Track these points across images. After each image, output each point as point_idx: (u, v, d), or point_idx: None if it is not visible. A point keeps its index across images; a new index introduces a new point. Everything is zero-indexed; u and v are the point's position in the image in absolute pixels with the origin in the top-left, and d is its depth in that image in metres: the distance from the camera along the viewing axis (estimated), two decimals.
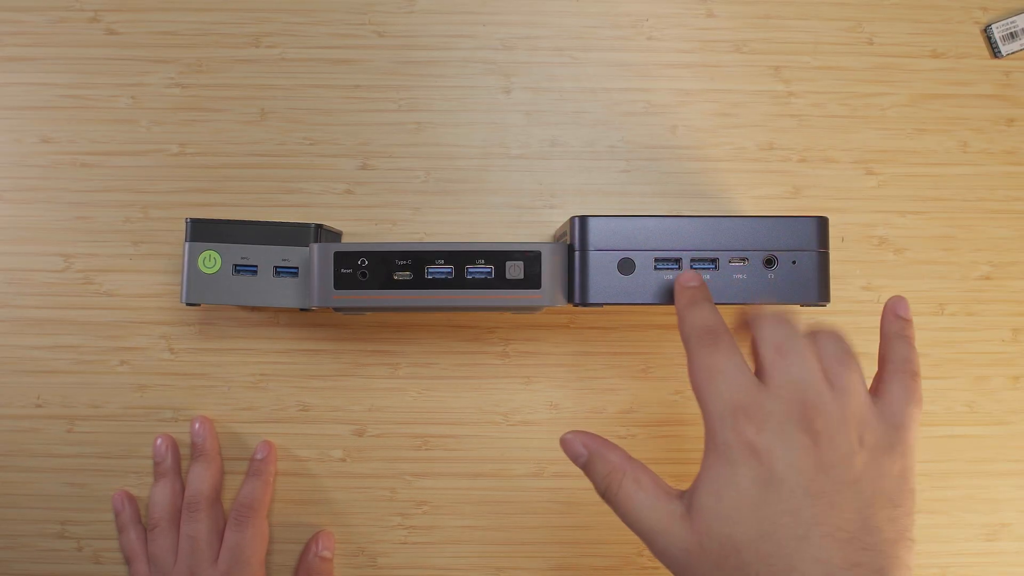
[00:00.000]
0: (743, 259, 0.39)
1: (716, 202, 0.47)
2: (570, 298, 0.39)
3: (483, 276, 0.39)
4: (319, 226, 0.42)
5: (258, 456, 0.45)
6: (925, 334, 0.47)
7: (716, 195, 0.47)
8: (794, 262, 0.39)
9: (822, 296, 0.39)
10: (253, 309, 0.47)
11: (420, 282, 0.39)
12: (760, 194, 0.47)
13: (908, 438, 0.31)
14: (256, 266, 0.42)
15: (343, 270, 0.39)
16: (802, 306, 0.40)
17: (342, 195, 0.47)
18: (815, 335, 0.33)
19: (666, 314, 0.47)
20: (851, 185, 0.48)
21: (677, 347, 0.46)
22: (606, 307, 0.42)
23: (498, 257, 0.39)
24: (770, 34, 0.48)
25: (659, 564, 0.34)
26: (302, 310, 0.44)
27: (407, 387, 0.47)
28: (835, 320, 0.47)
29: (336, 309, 0.40)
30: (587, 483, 0.33)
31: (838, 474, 0.29)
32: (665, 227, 0.39)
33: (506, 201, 0.47)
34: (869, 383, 0.33)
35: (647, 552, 0.45)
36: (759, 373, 0.32)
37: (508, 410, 0.47)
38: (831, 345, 0.32)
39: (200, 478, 0.44)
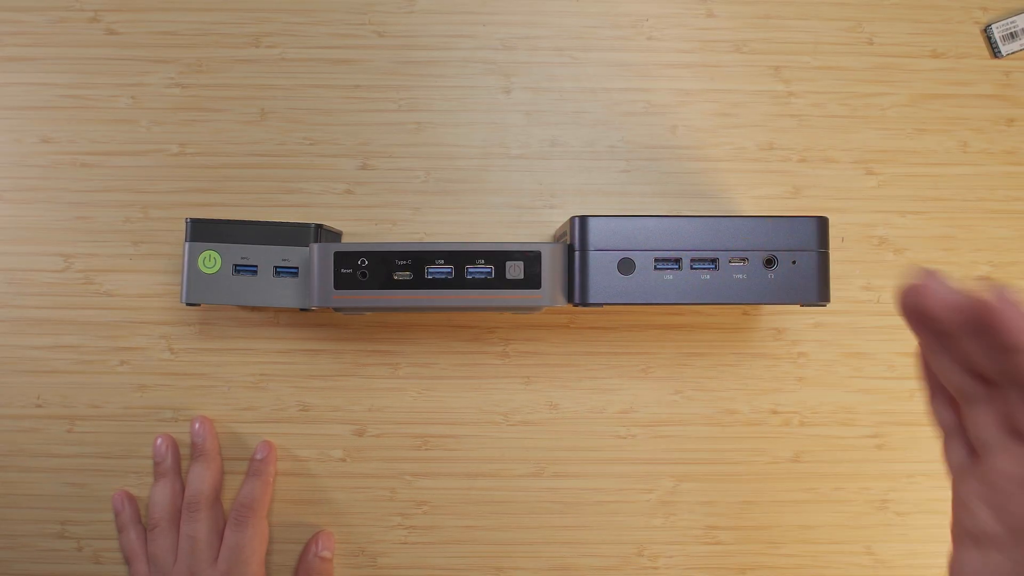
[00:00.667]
0: (743, 259, 0.39)
1: (716, 202, 0.47)
2: (570, 298, 0.39)
3: (483, 276, 0.39)
4: (319, 226, 0.42)
5: (258, 456, 0.45)
6: None
7: (716, 195, 0.47)
8: (794, 262, 0.39)
9: (822, 296, 0.39)
10: (253, 309, 0.47)
11: (420, 282, 0.39)
12: (760, 194, 0.47)
13: None
14: (256, 266, 0.42)
15: (343, 270, 0.39)
16: (802, 306, 0.40)
17: (342, 195, 0.47)
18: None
19: (666, 314, 0.47)
20: (851, 185, 0.48)
21: (677, 347, 0.46)
22: (606, 307, 0.42)
23: (498, 257, 0.39)
24: (770, 34, 0.48)
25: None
26: (302, 310, 0.44)
27: (407, 387, 0.47)
28: (835, 320, 0.47)
29: (336, 309, 0.40)
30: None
31: None
32: (665, 227, 0.39)
33: (506, 201, 0.47)
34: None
35: (647, 552, 0.45)
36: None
37: (508, 410, 0.47)
38: None
39: (200, 478, 0.44)
